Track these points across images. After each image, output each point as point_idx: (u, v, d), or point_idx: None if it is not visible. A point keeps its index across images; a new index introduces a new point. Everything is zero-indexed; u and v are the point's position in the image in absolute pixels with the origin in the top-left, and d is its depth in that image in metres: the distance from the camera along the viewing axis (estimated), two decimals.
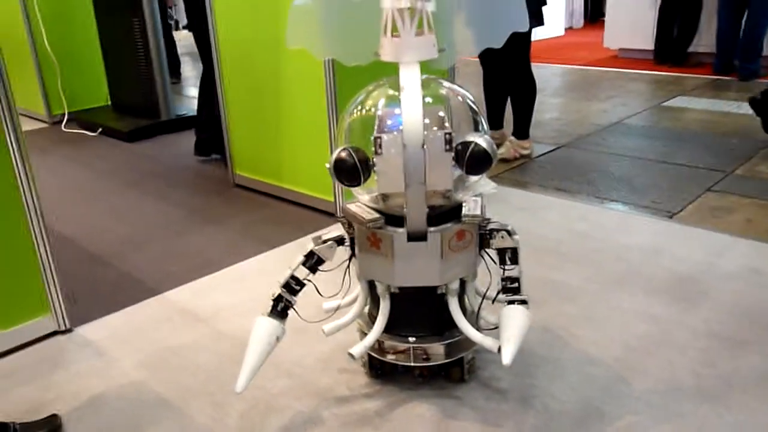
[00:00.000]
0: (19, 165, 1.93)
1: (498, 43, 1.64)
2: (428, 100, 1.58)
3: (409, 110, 1.45)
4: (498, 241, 1.64)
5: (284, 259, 2.51)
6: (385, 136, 1.51)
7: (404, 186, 1.48)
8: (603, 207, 2.95)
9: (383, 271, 1.62)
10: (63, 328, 2.09)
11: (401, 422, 1.63)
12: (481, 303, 1.72)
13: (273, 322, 1.64)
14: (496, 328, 1.61)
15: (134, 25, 4.51)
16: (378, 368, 1.78)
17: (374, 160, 1.52)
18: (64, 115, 4.94)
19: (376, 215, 1.59)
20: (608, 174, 3.37)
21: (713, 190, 3.07)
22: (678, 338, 1.92)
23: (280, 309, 1.67)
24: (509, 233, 1.63)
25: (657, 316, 2.04)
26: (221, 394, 1.76)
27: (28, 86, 4.92)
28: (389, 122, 1.57)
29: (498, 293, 1.66)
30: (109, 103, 5.10)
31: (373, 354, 1.74)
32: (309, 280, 1.69)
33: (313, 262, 1.68)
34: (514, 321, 1.55)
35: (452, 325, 1.68)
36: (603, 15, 7.11)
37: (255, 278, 2.42)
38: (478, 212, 1.60)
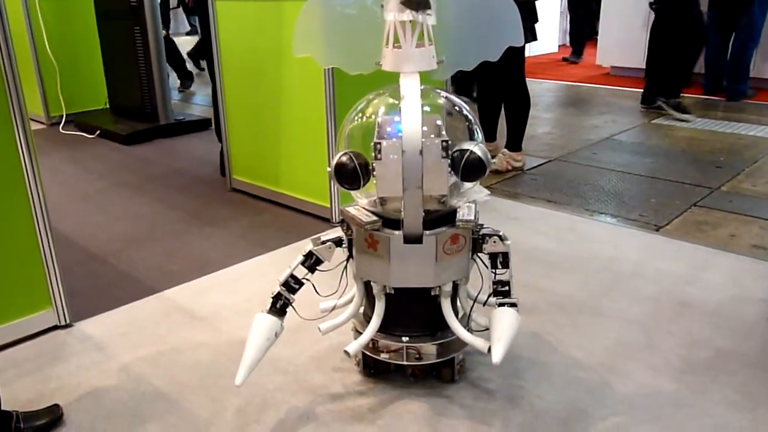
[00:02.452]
0: (27, 165, 1.99)
1: (494, 56, 1.71)
2: (426, 108, 1.65)
3: (408, 118, 1.52)
4: (490, 246, 1.70)
5: (280, 262, 2.58)
6: (384, 142, 1.57)
7: (402, 190, 1.55)
8: (592, 219, 3.03)
9: (380, 272, 1.69)
10: (63, 322, 2.13)
11: (393, 419, 1.68)
12: (473, 305, 1.79)
13: (272, 319, 1.70)
14: (486, 329, 1.68)
15: (134, 31, 4.58)
16: (372, 367, 1.84)
17: (373, 164, 1.59)
18: (62, 117, 4.98)
19: (374, 218, 1.66)
20: (597, 187, 3.45)
21: (699, 206, 3.15)
22: (661, 345, 1.99)
23: (279, 306, 1.73)
24: (501, 238, 1.70)
25: (641, 324, 2.11)
26: (218, 389, 1.82)
27: (27, 87, 4.94)
28: (389, 129, 1.64)
29: (489, 296, 1.73)
30: (108, 106, 5.15)
31: (367, 353, 1.80)
32: (307, 280, 1.75)
33: (311, 262, 1.74)
34: (503, 322, 1.61)
35: (444, 326, 1.75)
36: (596, 33, 7.24)
37: (252, 279, 2.47)
38: (472, 218, 1.66)
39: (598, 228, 2.93)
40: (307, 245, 1.75)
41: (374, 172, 1.60)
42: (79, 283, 2.42)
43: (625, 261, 2.55)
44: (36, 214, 2.04)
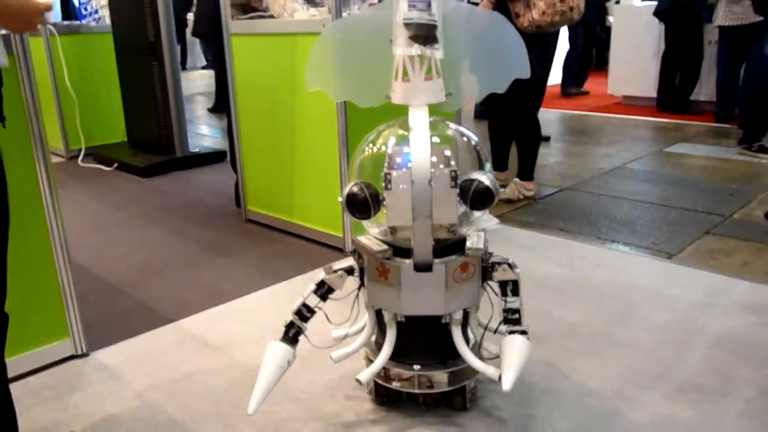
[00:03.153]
0: (48, 197, 2.05)
1: (501, 88, 1.75)
2: (436, 139, 1.69)
3: (417, 149, 1.56)
4: (500, 274, 1.72)
5: (294, 292, 2.60)
6: (394, 173, 1.61)
7: (412, 219, 1.58)
8: (604, 247, 3.03)
9: (390, 300, 1.71)
10: (80, 352, 2.17)
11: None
12: (484, 333, 1.80)
13: (284, 347, 1.72)
14: (497, 357, 1.69)
15: (152, 67, 4.69)
16: (384, 395, 1.84)
17: (384, 195, 1.62)
18: (81, 150, 5.09)
19: (385, 247, 1.68)
20: (610, 216, 3.46)
21: (712, 233, 3.15)
22: (674, 373, 1.98)
23: (291, 335, 1.75)
24: (510, 266, 1.71)
25: (654, 352, 2.10)
26: (231, 417, 1.83)
27: (47, 122, 5.05)
28: (398, 160, 1.68)
29: (500, 324, 1.74)
30: (126, 139, 5.26)
31: (379, 381, 1.81)
32: (320, 308, 1.77)
33: (324, 290, 1.77)
34: (514, 349, 1.62)
35: (455, 354, 1.76)
36: (607, 63, 7.31)
37: (266, 309, 2.50)
38: (481, 246, 1.69)
39: (610, 256, 2.93)
40: (319, 274, 1.78)
41: (384, 202, 1.63)
42: (96, 312, 2.46)
43: (638, 289, 2.55)
44: (55, 245, 2.09)
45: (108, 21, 5.11)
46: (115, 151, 5.06)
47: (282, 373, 1.70)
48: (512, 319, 1.72)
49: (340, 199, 1.68)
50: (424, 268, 1.64)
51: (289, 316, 1.76)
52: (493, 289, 1.77)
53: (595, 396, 1.88)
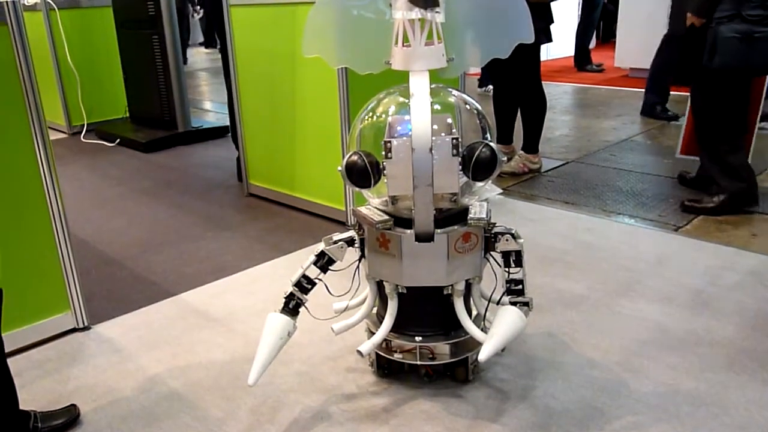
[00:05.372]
0: (46, 172, 2.03)
1: (504, 53, 1.70)
2: (437, 107, 1.65)
3: (417, 115, 1.52)
4: (503, 244, 1.69)
5: (296, 265, 2.57)
6: (394, 141, 1.57)
7: (412, 188, 1.55)
8: (610, 220, 3.00)
9: (392, 271, 1.68)
10: (82, 325, 2.16)
11: (406, 419, 1.68)
12: (488, 305, 1.77)
13: (284, 318, 1.70)
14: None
15: (153, 40, 4.64)
16: (385, 367, 1.83)
17: (384, 163, 1.59)
18: (83, 126, 5.06)
19: (386, 217, 1.66)
20: (615, 188, 3.42)
21: None
22: (679, 344, 1.96)
23: (291, 306, 1.74)
24: (514, 236, 1.69)
25: (659, 323, 2.08)
26: (233, 389, 1.82)
27: (49, 98, 5.05)
28: (399, 128, 1.65)
29: (502, 295, 1.72)
30: (128, 115, 5.22)
31: (380, 353, 1.79)
32: (320, 279, 1.75)
33: (324, 261, 1.75)
34: (502, 321, 1.60)
35: (458, 326, 1.74)
36: (614, 35, 7.20)
37: (267, 282, 2.48)
38: (484, 216, 1.66)
39: (616, 228, 2.89)
40: (319, 245, 1.75)
41: (385, 171, 1.60)
42: (98, 286, 2.45)
43: (644, 261, 2.52)
44: (54, 219, 2.07)
45: None
46: (117, 127, 5.02)
47: (282, 345, 1.68)
48: (515, 290, 1.70)
49: (339, 168, 1.65)
50: (425, 238, 1.62)
51: (289, 288, 1.74)
52: (496, 260, 1.74)
53: (598, 367, 1.86)
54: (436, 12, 1.54)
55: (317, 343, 1.99)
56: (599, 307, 2.19)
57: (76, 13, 5.08)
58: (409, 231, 1.63)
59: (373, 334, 1.75)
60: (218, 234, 3.00)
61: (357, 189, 1.67)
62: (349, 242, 1.75)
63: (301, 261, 2.64)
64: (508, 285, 1.71)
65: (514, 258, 1.70)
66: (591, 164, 3.89)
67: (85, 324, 2.17)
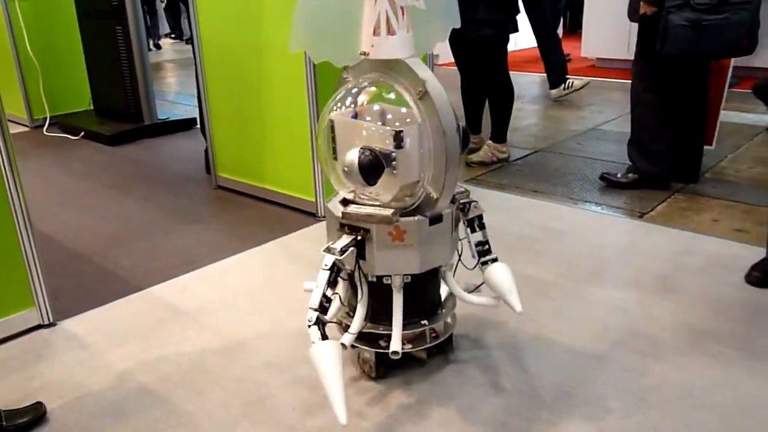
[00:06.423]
0: (6, 165, 1.98)
1: (443, 38, 1.79)
2: (392, 96, 1.65)
3: (441, 100, 1.55)
4: (473, 211, 1.76)
5: (266, 257, 2.58)
6: (405, 129, 1.56)
7: (437, 170, 1.59)
8: (577, 208, 3.04)
9: (407, 262, 1.65)
10: (47, 321, 2.12)
11: (381, 409, 1.69)
12: (456, 264, 1.83)
13: (331, 343, 1.53)
14: (477, 288, 1.82)
15: (117, 31, 4.55)
16: (386, 366, 1.80)
17: (395, 153, 1.56)
18: (45, 119, 4.95)
19: (391, 210, 1.61)
20: (583, 177, 3.46)
21: (682, 192, 3.17)
22: (646, 329, 2.00)
23: (323, 330, 1.56)
24: (476, 202, 1.78)
25: (626, 308, 2.12)
26: (204, 382, 1.81)
27: (9, 90, 4.93)
28: (389, 116, 1.64)
29: (480, 258, 1.79)
30: (92, 107, 5.12)
31: (382, 350, 1.73)
32: (337, 294, 1.64)
33: (335, 274, 1.61)
34: (504, 276, 1.73)
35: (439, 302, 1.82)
36: (581, 26, 7.27)
37: (237, 274, 2.47)
38: (462, 189, 1.75)
39: (583, 216, 2.94)
40: (325, 258, 1.61)
41: (395, 161, 1.57)
42: (63, 282, 2.41)
43: (610, 247, 2.56)
44: (16, 214, 2.03)
45: None
46: (81, 120, 4.92)
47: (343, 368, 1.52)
48: (485, 250, 1.79)
49: (344, 168, 1.58)
50: (437, 219, 1.64)
51: (313, 314, 1.56)
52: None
53: (567, 353, 1.89)
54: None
55: (294, 339, 1.98)
56: (567, 294, 2.23)
57: (36, 2, 4.95)
58: (419, 217, 1.62)
59: (347, 326, 1.72)
60: (187, 227, 2.97)
61: (361, 186, 1.59)
62: (355, 245, 1.65)
63: (270, 253, 2.64)
64: (478, 247, 1.79)
65: (478, 222, 1.78)
66: (559, 153, 3.94)
67: (51, 320, 2.13)
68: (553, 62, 5.24)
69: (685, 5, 2.75)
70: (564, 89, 5.22)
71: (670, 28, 2.79)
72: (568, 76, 5.25)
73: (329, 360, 1.47)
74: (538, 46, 5.28)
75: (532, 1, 4.79)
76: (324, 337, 1.53)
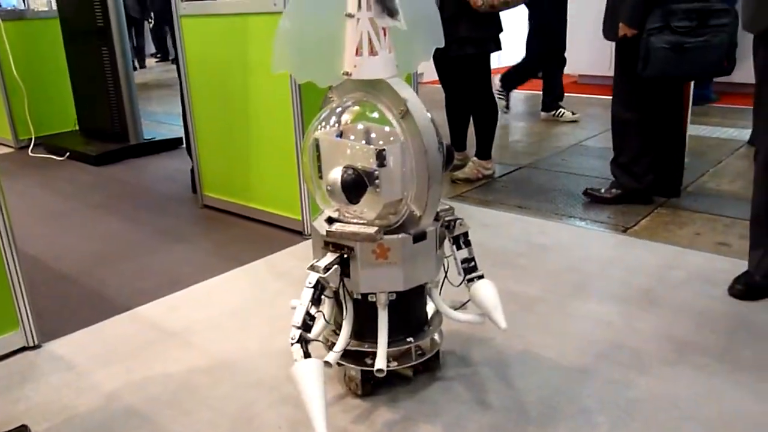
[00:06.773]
0: None
1: (427, 57, 1.84)
2: (375, 115, 1.67)
3: (422, 119, 1.57)
4: (458, 228, 1.78)
5: (252, 276, 2.58)
6: (388, 147, 1.58)
7: (420, 188, 1.60)
8: (561, 223, 3.07)
9: (390, 279, 1.65)
10: (32, 343, 2.11)
11: (367, 427, 1.68)
12: (443, 282, 1.84)
13: (313, 361, 1.54)
14: (463, 305, 1.83)
15: (102, 51, 4.56)
16: (372, 384, 1.80)
17: (378, 172, 1.57)
18: (31, 139, 4.94)
19: (375, 228, 1.62)
20: (567, 192, 3.50)
21: (665, 206, 3.21)
22: (630, 342, 2.02)
23: (306, 348, 1.57)
24: (461, 219, 1.80)
25: (611, 322, 2.14)
26: (191, 402, 1.80)
27: None
28: (373, 135, 1.66)
29: (465, 275, 1.81)
30: (77, 128, 5.11)
31: (367, 368, 1.73)
32: (320, 312, 1.65)
33: (319, 292, 1.62)
34: (489, 293, 1.74)
35: (425, 319, 1.83)
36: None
37: (224, 293, 2.47)
38: (447, 206, 1.76)
39: (567, 231, 2.97)
40: (309, 275, 1.62)
41: (378, 180, 1.58)
42: (49, 303, 2.40)
43: (594, 262, 2.59)
44: (0, 234, 2.02)
45: (54, 6, 4.95)
46: (66, 140, 4.92)
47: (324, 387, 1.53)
48: (471, 267, 1.81)
49: (328, 187, 1.58)
50: (421, 236, 1.65)
51: (296, 332, 1.56)
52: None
53: (552, 368, 1.90)
54: (397, 20, 1.57)
55: (281, 355, 1.99)
56: (552, 309, 2.25)
57: (21, 24, 4.97)
58: (403, 235, 1.63)
59: (333, 344, 1.73)
60: (173, 247, 2.96)
61: (345, 204, 1.59)
62: (339, 263, 1.66)
63: (257, 272, 2.64)
64: (464, 264, 1.81)
65: (463, 239, 1.80)
66: (543, 169, 3.98)
67: (36, 342, 2.12)
68: (554, 87, 5.36)
69: (665, 28, 2.80)
70: (553, 115, 5.30)
71: (652, 50, 2.83)
72: (561, 104, 5.31)
73: (311, 378, 1.48)
74: (543, 67, 5.39)
75: (545, 28, 5.11)
76: (307, 355, 1.54)
